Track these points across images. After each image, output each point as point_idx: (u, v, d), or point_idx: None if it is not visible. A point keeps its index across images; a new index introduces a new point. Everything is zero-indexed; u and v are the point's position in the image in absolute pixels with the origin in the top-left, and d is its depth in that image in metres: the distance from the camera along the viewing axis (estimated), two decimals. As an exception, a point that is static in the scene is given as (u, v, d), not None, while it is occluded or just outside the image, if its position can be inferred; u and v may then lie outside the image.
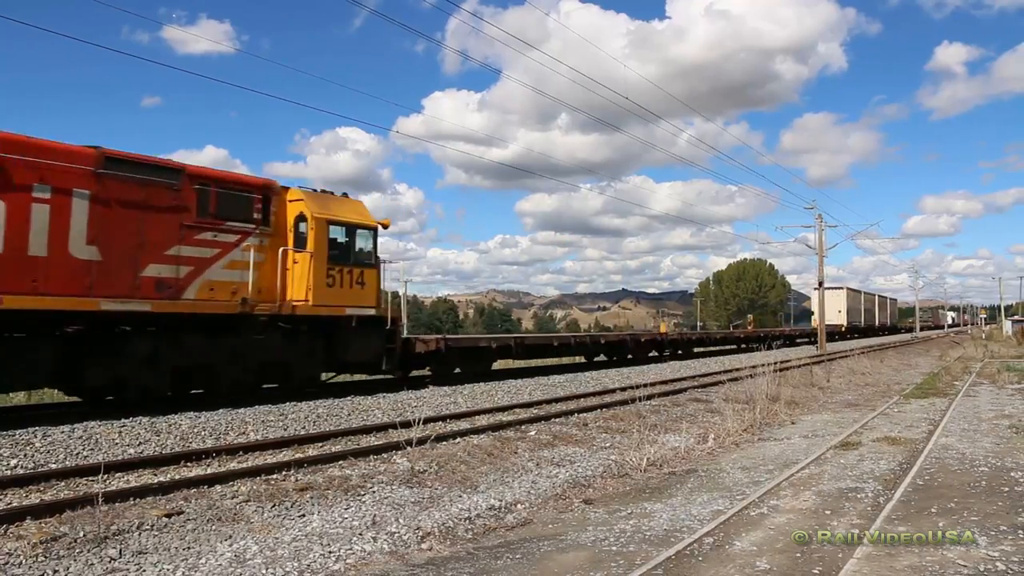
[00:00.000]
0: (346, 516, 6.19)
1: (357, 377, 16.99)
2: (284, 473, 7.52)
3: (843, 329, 55.74)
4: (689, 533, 5.62)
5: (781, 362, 17.41)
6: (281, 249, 13.08)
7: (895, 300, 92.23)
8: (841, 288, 59.47)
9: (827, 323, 47.05)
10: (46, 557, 5.00)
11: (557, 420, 11.54)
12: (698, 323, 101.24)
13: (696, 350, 33.02)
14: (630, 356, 26.32)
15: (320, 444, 9.26)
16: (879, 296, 75.88)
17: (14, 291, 9.49)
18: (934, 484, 7.18)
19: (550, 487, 7.45)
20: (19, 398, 14.52)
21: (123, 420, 9.96)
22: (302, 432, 9.90)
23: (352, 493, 6.92)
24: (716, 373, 20.48)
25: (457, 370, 17.58)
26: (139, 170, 11.14)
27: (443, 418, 11.29)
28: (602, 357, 25.75)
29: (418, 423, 9.00)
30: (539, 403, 13.47)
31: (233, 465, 7.93)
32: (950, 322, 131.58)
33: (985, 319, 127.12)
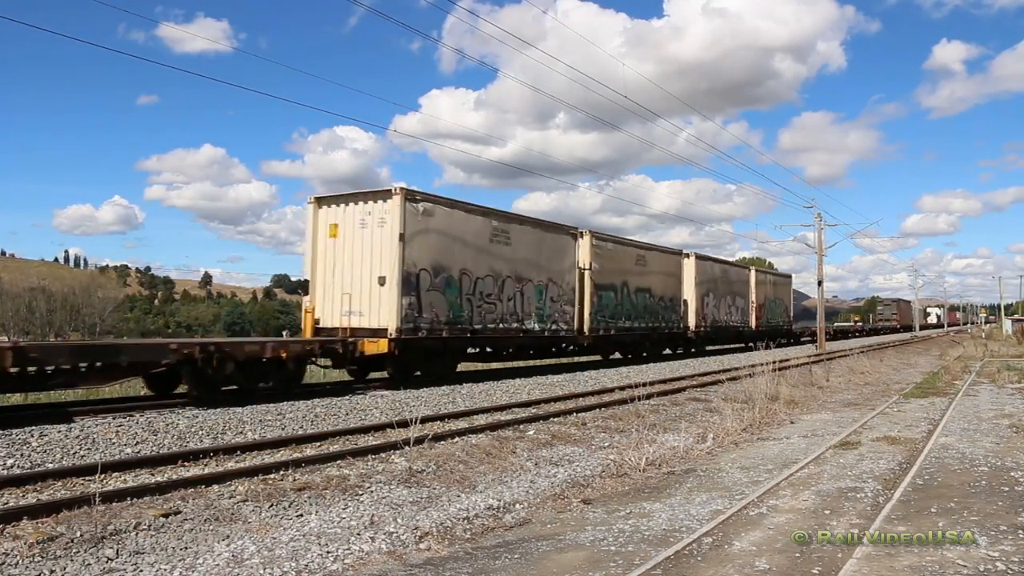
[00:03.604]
0: (344, 516, 6.18)
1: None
2: (282, 473, 7.50)
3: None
4: (688, 533, 5.61)
5: (780, 361, 17.41)
6: None
7: (788, 278, 45.36)
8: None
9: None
10: (43, 557, 4.98)
11: (556, 419, 11.52)
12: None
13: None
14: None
15: (318, 444, 9.24)
16: (738, 268, 37.00)
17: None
18: (934, 484, 7.17)
19: (549, 487, 7.43)
20: (16, 398, 14.49)
21: (120, 420, 9.93)
22: (300, 432, 9.88)
23: (350, 493, 6.90)
24: (715, 372, 20.49)
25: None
26: None
27: (441, 417, 11.27)
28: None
29: (416, 422, 8.99)
30: (537, 402, 13.45)
31: (231, 465, 7.91)
32: (935, 321, 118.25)
33: (985, 318, 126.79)
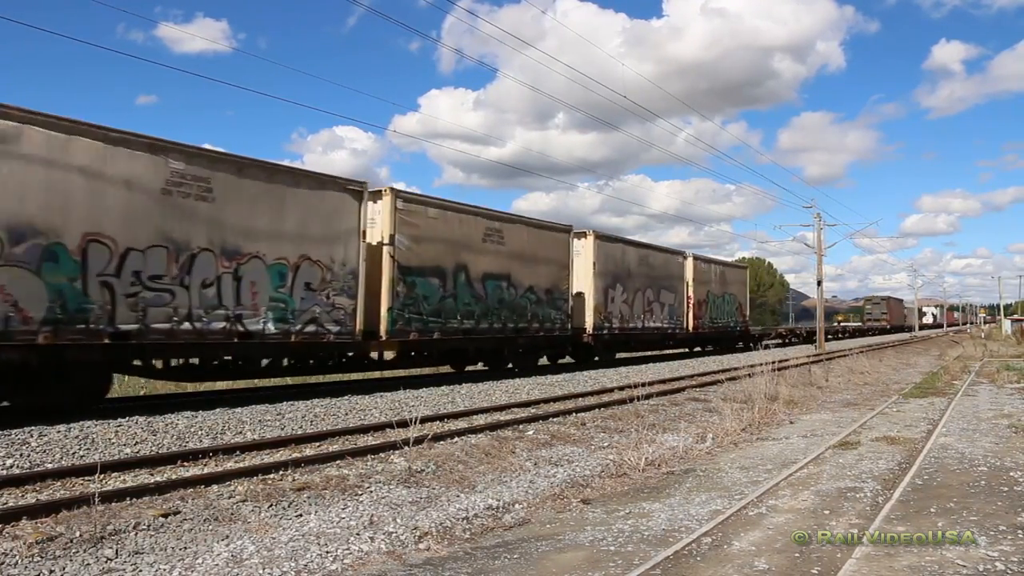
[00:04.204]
0: (343, 516, 6.17)
1: (353, 376, 16.98)
2: (281, 473, 7.50)
3: None
4: (687, 533, 5.61)
5: (779, 361, 17.43)
6: None
7: (744, 269, 37.13)
8: None
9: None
10: (42, 557, 4.98)
11: (555, 420, 11.52)
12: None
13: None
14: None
15: (317, 444, 9.24)
16: (666, 254, 27.17)
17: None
18: (933, 484, 7.17)
19: (548, 487, 7.43)
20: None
21: (120, 419, 9.93)
22: (299, 432, 9.87)
23: (349, 493, 6.90)
24: (714, 372, 20.51)
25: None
26: None
27: (440, 417, 11.26)
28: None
29: (415, 422, 8.98)
30: (537, 402, 13.45)
31: (230, 465, 7.90)
32: (931, 321, 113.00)
33: (984, 318, 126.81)
